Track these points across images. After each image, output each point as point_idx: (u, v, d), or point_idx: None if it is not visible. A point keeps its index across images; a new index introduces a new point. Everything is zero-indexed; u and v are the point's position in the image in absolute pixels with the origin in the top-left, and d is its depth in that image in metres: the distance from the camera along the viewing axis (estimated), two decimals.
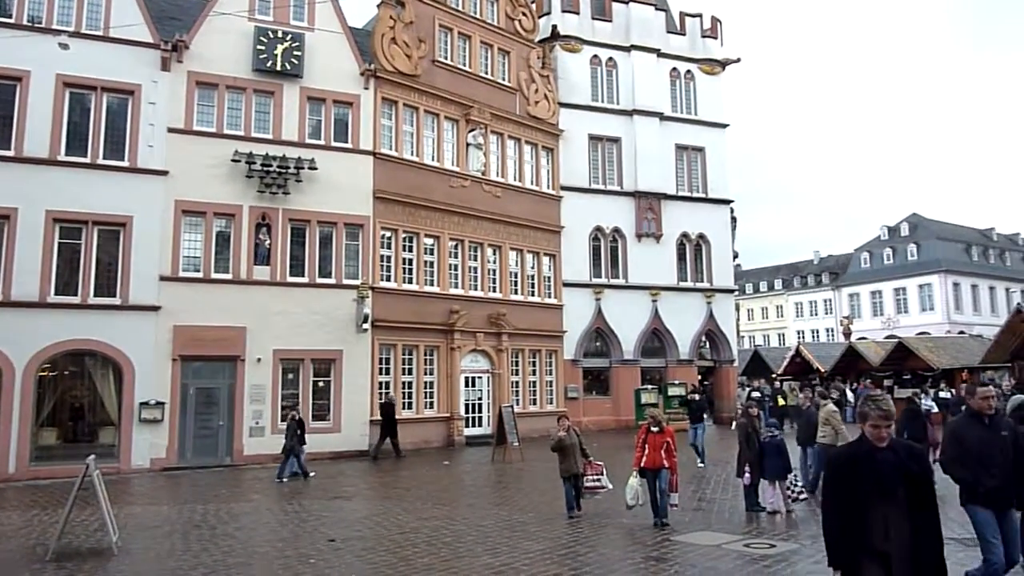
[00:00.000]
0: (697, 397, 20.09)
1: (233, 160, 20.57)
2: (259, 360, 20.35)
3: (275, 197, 21.03)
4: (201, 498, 14.21)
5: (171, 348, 19.42)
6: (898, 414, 16.67)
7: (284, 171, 21.02)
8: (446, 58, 25.67)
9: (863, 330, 56.19)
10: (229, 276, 20.47)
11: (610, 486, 11.54)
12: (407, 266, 23.77)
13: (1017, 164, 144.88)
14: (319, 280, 21.66)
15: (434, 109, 24.98)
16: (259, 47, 21.31)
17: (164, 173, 19.87)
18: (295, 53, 21.74)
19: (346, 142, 22.64)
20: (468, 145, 25.83)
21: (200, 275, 20.16)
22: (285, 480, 16.56)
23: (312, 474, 17.09)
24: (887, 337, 45.30)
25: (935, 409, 23.34)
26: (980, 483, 6.23)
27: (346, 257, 22.27)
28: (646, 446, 10.60)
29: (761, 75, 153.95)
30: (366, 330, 21.78)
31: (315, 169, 21.47)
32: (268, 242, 21.01)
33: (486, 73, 26.99)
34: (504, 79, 27.60)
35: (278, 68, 21.48)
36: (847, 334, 40.10)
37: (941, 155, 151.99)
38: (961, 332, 47.92)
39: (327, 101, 22.40)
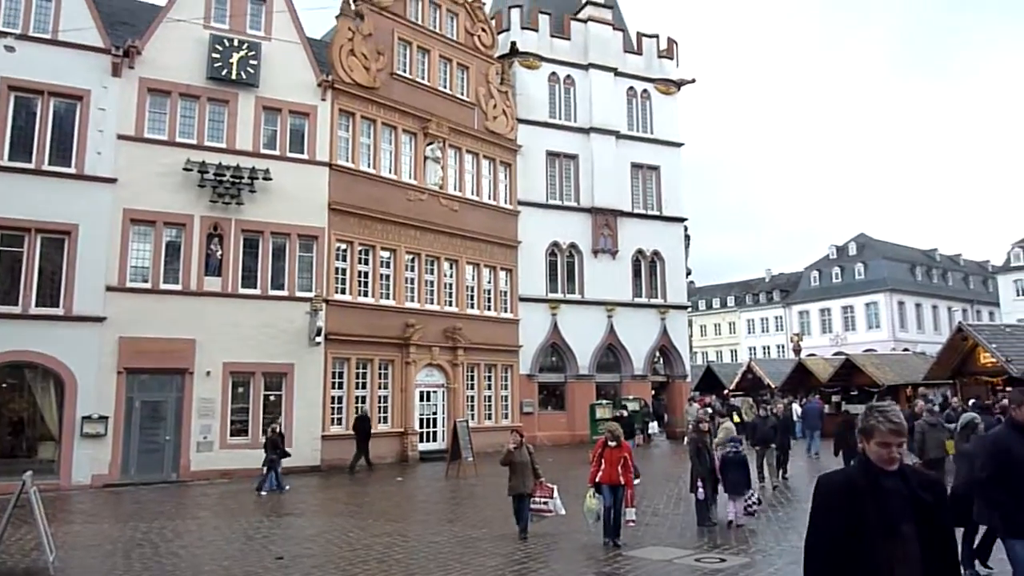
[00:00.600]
0: (625, 414, 18.95)
1: (185, 169, 20.18)
2: (208, 373, 19.90)
3: (228, 207, 20.67)
4: (145, 515, 13.80)
5: (116, 360, 18.87)
6: (836, 426, 16.75)
7: (237, 181, 20.69)
8: (405, 71, 25.63)
9: (812, 347, 57.40)
10: (179, 287, 20.03)
11: (563, 512, 10.92)
12: (362, 279, 23.55)
13: (958, 187, 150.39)
14: (272, 292, 21.32)
15: (392, 122, 24.89)
16: (214, 55, 21.00)
17: (112, 181, 19.39)
18: (251, 62, 21.47)
19: (302, 153, 22.40)
20: (426, 158, 25.78)
21: (148, 286, 19.68)
22: (263, 493, 16.51)
23: (287, 488, 17.02)
24: (835, 354, 46.29)
25: None
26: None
27: (300, 269, 21.97)
28: (602, 461, 10.32)
29: (715, 97, 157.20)
30: (319, 343, 21.49)
31: (269, 180, 21.19)
32: (220, 253, 20.62)
33: (445, 87, 27.02)
34: (463, 94, 27.65)
35: (233, 77, 21.19)
36: (797, 350, 40.90)
37: (888, 177, 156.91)
38: (905, 349, 49.23)
39: (283, 111, 22.16)
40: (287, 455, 17.79)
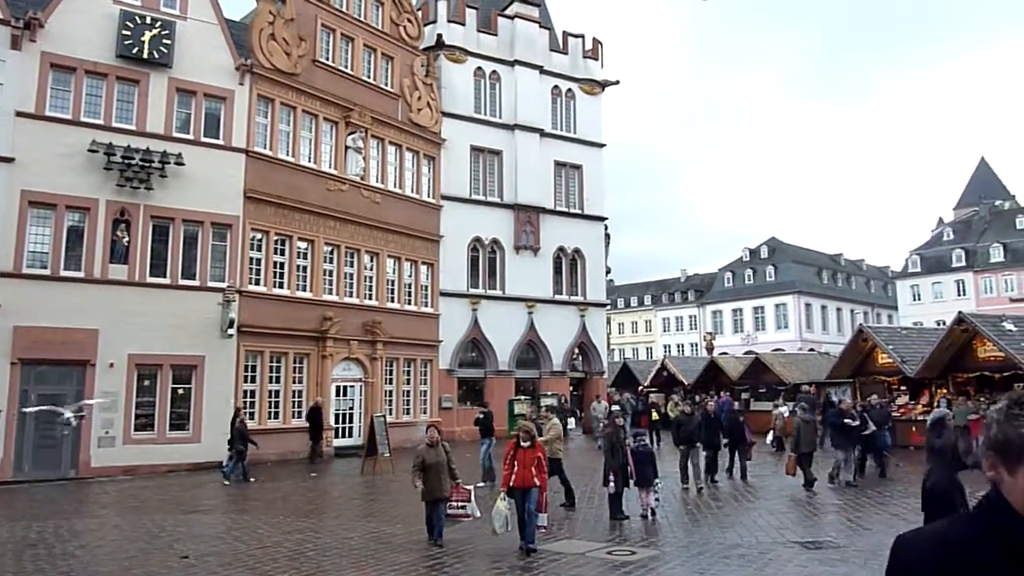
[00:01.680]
0: (482, 415, 18.15)
1: (90, 150, 19.19)
2: (112, 365, 19.02)
3: (136, 192, 19.79)
4: (39, 515, 13.08)
5: (10, 350, 17.81)
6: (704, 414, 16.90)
7: (147, 165, 19.83)
8: (328, 59, 25.08)
9: (724, 345, 59.26)
10: (81, 274, 19.06)
11: (478, 514, 10.17)
12: (278, 270, 22.96)
13: (865, 197, 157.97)
14: (182, 281, 20.54)
15: (313, 109, 24.32)
16: (124, 32, 20.04)
17: (10, 160, 18.27)
18: (164, 41, 20.59)
19: (217, 138, 21.65)
20: (347, 148, 25.31)
21: (47, 272, 18.65)
22: (252, 480, 17.19)
23: (252, 480, 17.37)
24: (746, 352, 47.92)
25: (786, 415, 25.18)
26: None
27: (212, 258, 21.25)
28: (515, 463, 9.56)
29: (636, 100, 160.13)
30: (231, 335, 20.83)
31: (182, 164, 20.38)
32: (127, 239, 19.73)
33: (368, 77, 26.59)
34: (387, 84, 27.27)
35: (145, 56, 20.27)
36: (710, 349, 42.17)
37: (800, 184, 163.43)
38: (811, 349, 51.37)
39: (198, 94, 21.35)
40: (254, 445, 18.07)
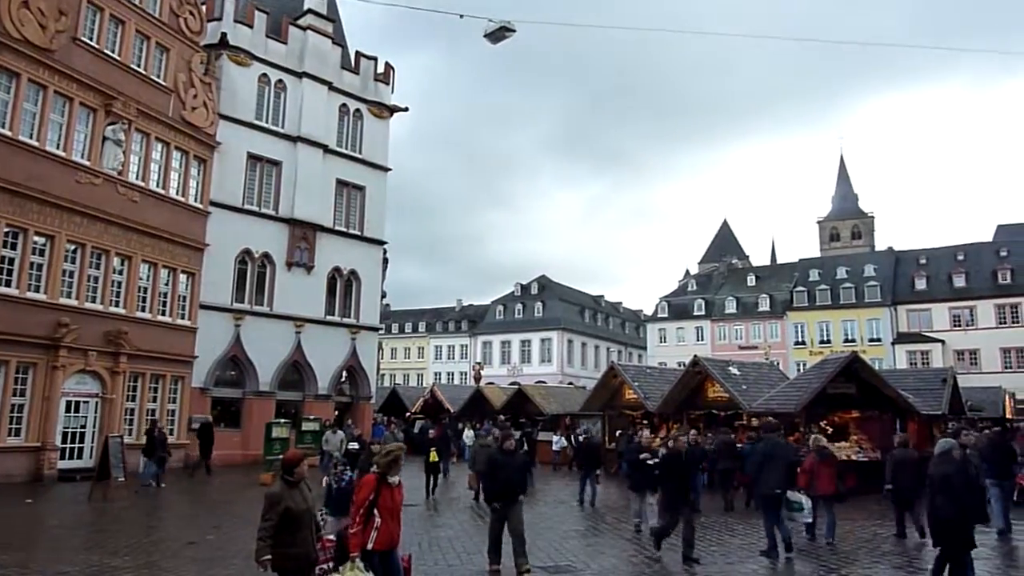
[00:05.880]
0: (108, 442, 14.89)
1: None
2: None
3: None
4: None
5: None
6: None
7: None
8: (92, 39, 22.72)
9: (493, 375, 61.22)
10: None
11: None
12: (7, 266, 20.16)
13: (623, 246, 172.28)
14: None
15: (68, 92, 21.83)
16: None
17: None
18: None
19: None
20: (105, 139, 22.98)
21: None
22: (163, 486, 19.04)
23: (163, 486, 19.03)
24: (511, 383, 49.79)
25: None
26: None
27: None
28: (375, 512, 6.46)
29: (422, 136, 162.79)
30: None
31: None
32: None
33: (138, 66, 24.44)
34: (159, 76, 25.24)
35: None
36: (478, 379, 43.25)
37: (569, 229, 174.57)
38: (570, 383, 54.58)
39: None
40: (169, 455, 20.26)
